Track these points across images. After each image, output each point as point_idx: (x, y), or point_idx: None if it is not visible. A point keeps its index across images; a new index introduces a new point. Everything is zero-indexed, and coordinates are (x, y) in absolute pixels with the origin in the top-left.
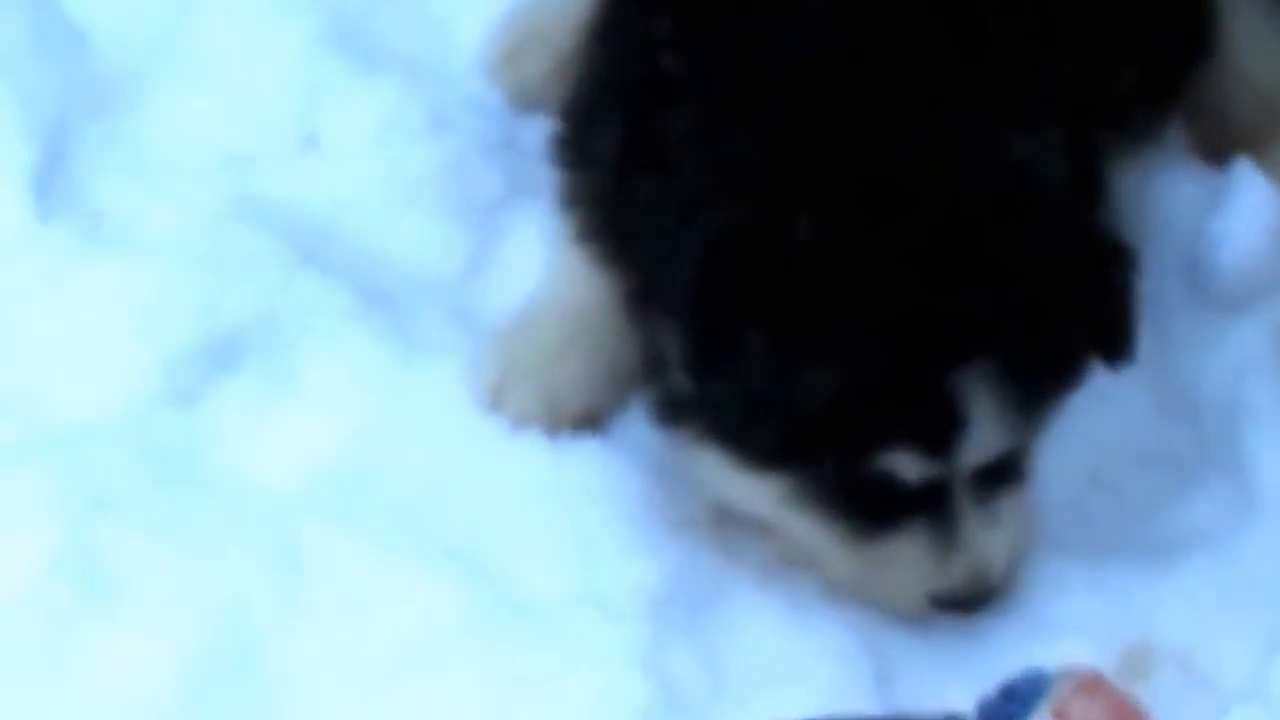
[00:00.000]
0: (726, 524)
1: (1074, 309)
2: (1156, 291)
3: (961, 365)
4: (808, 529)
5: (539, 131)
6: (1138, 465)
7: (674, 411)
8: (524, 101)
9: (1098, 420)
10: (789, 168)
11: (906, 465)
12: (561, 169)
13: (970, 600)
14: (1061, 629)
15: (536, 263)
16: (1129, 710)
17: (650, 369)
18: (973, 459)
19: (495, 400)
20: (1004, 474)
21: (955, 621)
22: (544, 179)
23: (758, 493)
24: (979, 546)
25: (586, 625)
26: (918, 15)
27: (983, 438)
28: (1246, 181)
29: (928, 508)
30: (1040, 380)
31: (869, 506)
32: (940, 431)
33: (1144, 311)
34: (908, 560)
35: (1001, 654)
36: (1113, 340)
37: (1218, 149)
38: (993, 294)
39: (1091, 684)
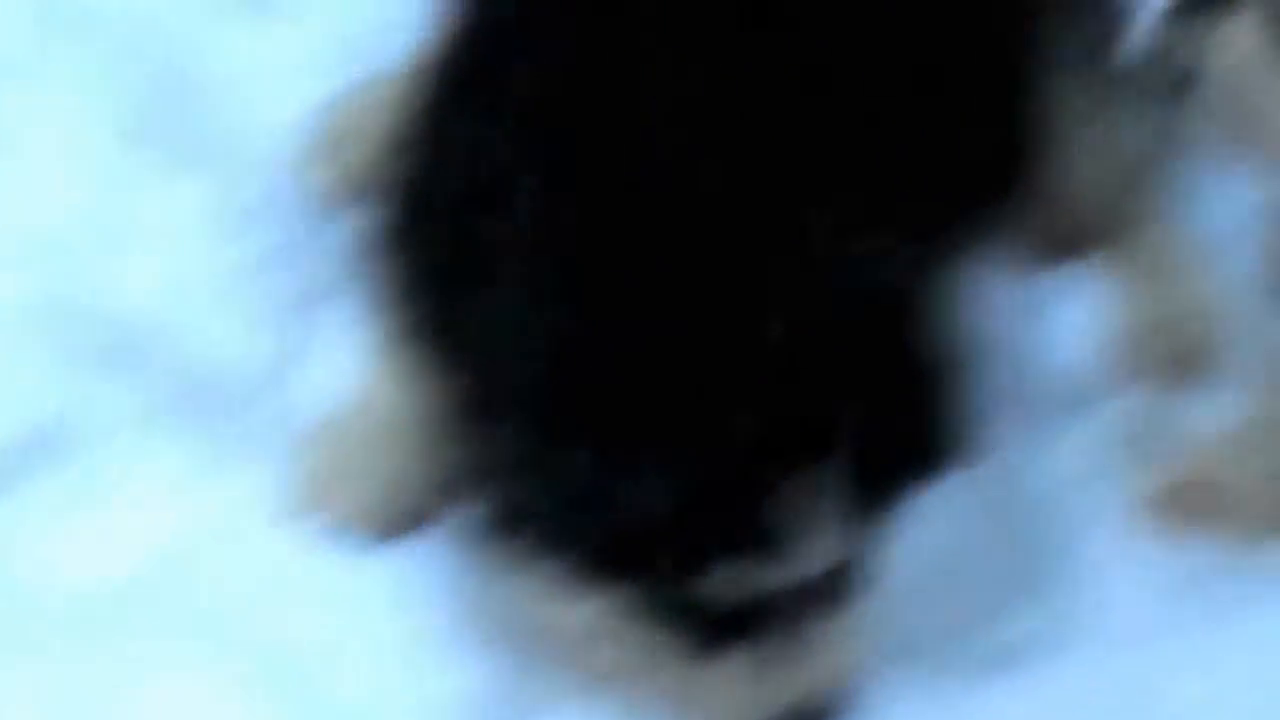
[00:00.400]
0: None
1: (906, 417)
2: (985, 399)
3: (794, 474)
4: (633, 646)
5: (353, 229)
6: (963, 577)
7: (498, 524)
8: (338, 198)
9: (923, 529)
10: (620, 272)
11: (738, 579)
12: (382, 269)
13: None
14: None
15: (349, 363)
16: None
17: (474, 478)
18: (806, 571)
19: (308, 505)
20: (837, 588)
21: None
22: (359, 277)
23: (583, 609)
24: (813, 664)
25: None
26: (745, 116)
27: (817, 549)
28: (1078, 284)
29: (759, 623)
30: (874, 490)
31: (697, 623)
32: (773, 542)
33: (973, 419)
34: (739, 680)
35: None
36: (943, 450)
37: (1050, 251)
38: (824, 402)
39: None
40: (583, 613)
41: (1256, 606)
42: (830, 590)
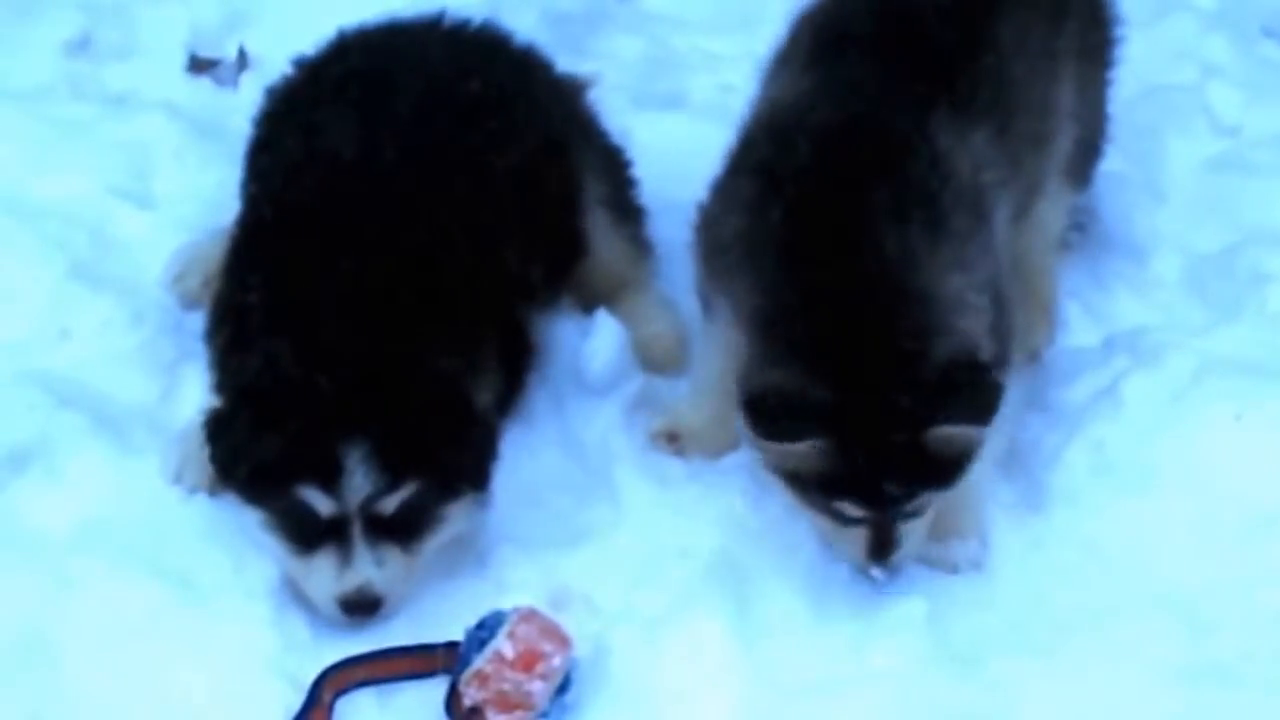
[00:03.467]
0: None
1: (438, 443)
2: (556, 383)
3: (341, 443)
4: (272, 544)
5: (199, 322)
6: (557, 486)
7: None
8: (188, 304)
9: (538, 458)
10: (276, 366)
11: (315, 501)
12: (207, 347)
13: (357, 607)
14: (514, 586)
15: (201, 397)
16: (552, 630)
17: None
18: (351, 502)
19: (178, 476)
20: (398, 529)
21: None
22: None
23: (252, 520)
24: (364, 571)
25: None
26: (380, 277)
27: (355, 488)
28: (604, 320)
29: (337, 535)
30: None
31: (296, 532)
32: (329, 479)
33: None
34: (324, 572)
35: (480, 604)
36: (469, 465)
37: (588, 304)
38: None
39: (530, 615)
40: (251, 521)
41: (718, 489)
42: (395, 529)
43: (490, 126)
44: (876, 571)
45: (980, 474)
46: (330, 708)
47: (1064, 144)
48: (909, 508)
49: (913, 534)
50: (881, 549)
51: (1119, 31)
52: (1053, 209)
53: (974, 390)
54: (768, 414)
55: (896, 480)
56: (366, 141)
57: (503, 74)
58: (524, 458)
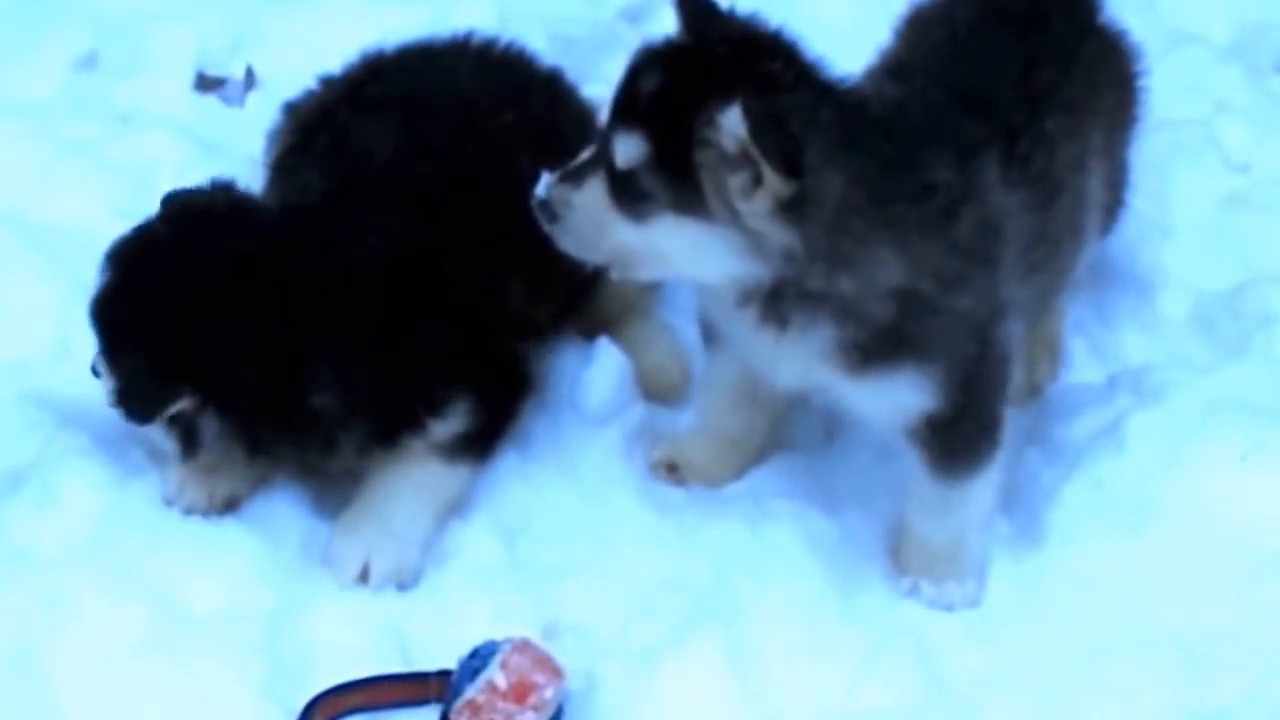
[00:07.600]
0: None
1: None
2: (555, 411)
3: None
4: None
5: None
6: (553, 514)
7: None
8: None
9: (534, 485)
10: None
11: None
12: None
13: None
14: (507, 615)
15: None
16: (545, 660)
17: None
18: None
19: (175, 497)
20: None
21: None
22: None
23: None
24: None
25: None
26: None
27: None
28: (605, 348)
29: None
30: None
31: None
32: None
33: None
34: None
35: (473, 632)
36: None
37: (590, 331)
38: None
39: (523, 646)
40: None
41: (717, 519)
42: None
43: (521, 156)
44: None
45: (980, 515)
46: None
47: (1093, 234)
48: None
49: None
50: None
51: (1143, 88)
52: None
53: None
54: None
55: None
56: (393, 161)
57: (534, 103)
58: (520, 484)
